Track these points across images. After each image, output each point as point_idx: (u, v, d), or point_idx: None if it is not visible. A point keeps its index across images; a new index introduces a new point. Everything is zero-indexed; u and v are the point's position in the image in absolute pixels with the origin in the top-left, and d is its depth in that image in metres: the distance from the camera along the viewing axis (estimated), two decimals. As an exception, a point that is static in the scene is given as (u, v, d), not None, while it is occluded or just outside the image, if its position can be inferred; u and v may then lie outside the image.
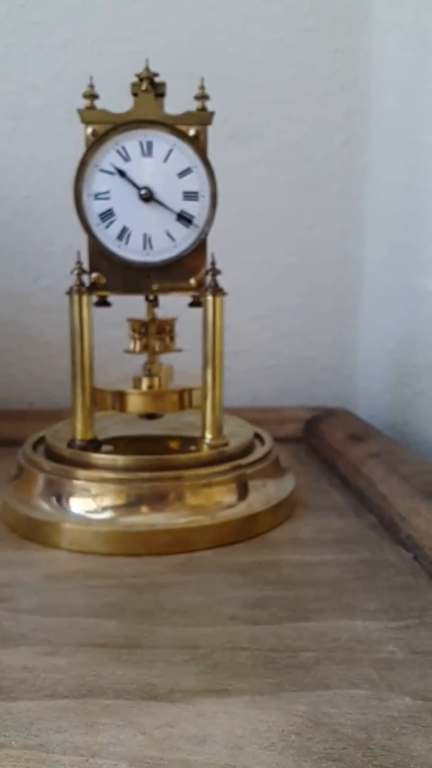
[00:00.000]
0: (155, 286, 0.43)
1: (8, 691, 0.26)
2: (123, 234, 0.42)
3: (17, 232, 0.64)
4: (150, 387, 0.44)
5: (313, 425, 0.60)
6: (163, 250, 0.42)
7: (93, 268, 0.43)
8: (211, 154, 0.42)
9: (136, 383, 0.44)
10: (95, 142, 0.41)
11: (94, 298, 0.43)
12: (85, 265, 0.42)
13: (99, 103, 0.42)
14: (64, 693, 0.26)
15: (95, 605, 0.32)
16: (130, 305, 0.46)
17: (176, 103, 0.42)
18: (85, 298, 0.42)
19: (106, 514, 0.39)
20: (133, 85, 0.43)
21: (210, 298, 0.42)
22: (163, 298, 0.45)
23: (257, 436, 0.48)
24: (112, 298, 0.44)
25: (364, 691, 0.26)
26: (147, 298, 0.45)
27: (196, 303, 0.44)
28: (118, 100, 0.42)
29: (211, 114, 0.42)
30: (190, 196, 0.42)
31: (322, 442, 0.57)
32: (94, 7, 0.62)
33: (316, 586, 0.34)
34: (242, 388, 0.65)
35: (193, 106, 0.42)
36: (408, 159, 0.59)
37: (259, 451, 0.45)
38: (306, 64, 0.65)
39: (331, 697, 0.25)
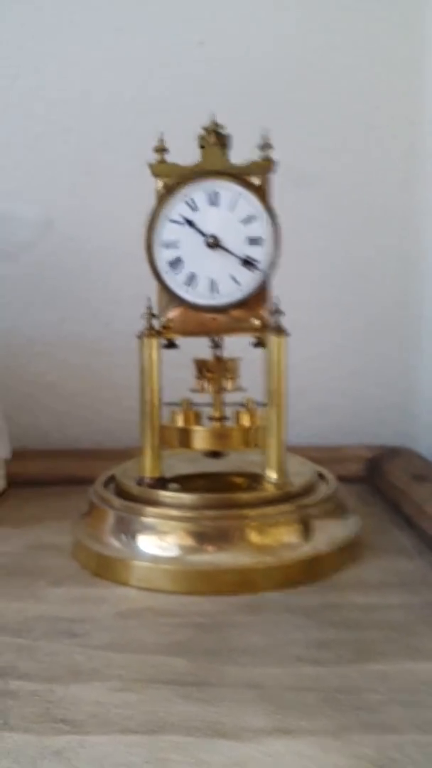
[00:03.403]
0: (221, 328, 0.45)
1: (81, 725, 0.27)
2: (191, 280, 0.43)
3: (90, 281, 0.67)
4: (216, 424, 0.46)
5: (377, 464, 0.60)
6: (228, 293, 0.44)
7: (162, 312, 0.44)
8: (273, 199, 0.44)
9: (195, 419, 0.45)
10: (165, 194, 0.44)
11: (163, 341, 0.45)
12: (155, 310, 0.44)
13: (168, 156, 0.44)
14: (134, 728, 0.27)
15: (164, 643, 0.33)
16: (194, 346, 0.47)
17: (241, 149, 0.44)
18: (154, 341, 0.44)
19: (173, 552, 0.40)
20: (200, 137, 0.45)
21: (273, 338, 0.43)
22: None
23: (320, 475, 0.48)
24: (178, 340, 0.46)
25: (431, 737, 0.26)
26: (212, 339, 0.47)
27: (259, 343, 0.45)
28: (185, 151, 0.44)
29: (275, 163, 0.44)
30: (254, 241, 0.43)
31: (385, 482, 0.57)
32: (161, 65, 0.65)
33: (382, 629, 0.34)
34: (304, 427, 0.66)
35: (257, 155, 0.44)
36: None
37: (322, 491, 0.45)
38: (364, 109, 0.66)
39: (398, 741, 0.25)
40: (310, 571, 0.40)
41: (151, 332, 0.44)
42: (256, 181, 0.44)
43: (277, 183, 0.44)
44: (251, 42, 0.65)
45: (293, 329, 0.44)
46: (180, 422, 0.45)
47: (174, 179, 0.44)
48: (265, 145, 0.44)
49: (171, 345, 0.46)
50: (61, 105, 0.66)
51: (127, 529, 0.42)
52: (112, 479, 0.48)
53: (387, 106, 0.66)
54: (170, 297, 0.44)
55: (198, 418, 0.46)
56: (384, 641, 0.33)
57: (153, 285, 0.44)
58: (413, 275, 0.68)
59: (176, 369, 0.46)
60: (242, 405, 0.46)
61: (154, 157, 0.44)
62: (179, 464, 0.48)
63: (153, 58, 0.65)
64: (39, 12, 0.65)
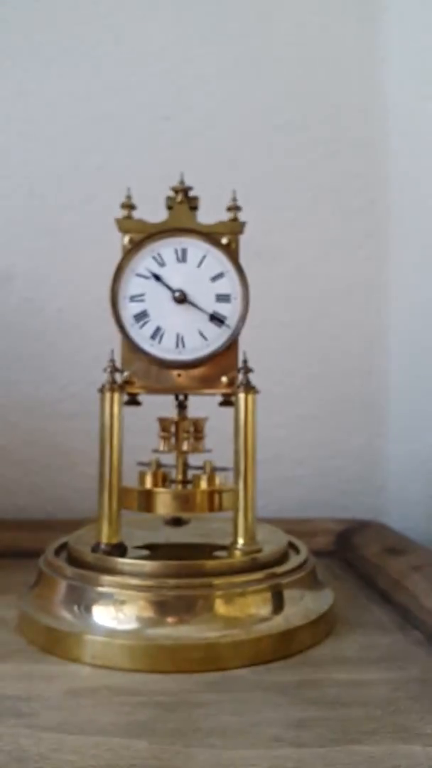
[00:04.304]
0: (187, 385, 0.43)
1: None
2: (156, 334, 0.42)
3: (48, 342, 0.65)
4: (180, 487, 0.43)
5: (347, 538, 0.57)
6: (195, 349, 0.42)
7: (125, 366, 0.42)
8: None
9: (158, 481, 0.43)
10: (132, 249, 0.43)
11: (125, 397, 0.43)
12: (118, 364, 0.42)
13: (134, 214, 0.43)
14: None
15: (122, 723, 0.29)
16: (158, 407, 0.45)
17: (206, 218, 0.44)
18: (116, 395, 0.41)
19: (132, 625, 0.36)
20: (169, 198, 0.44)
21: (242, 395, 0.41)
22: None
23: (291, 544, 0.45)
24: (143, 398, 0.43)
25: None
26: (177, 397, 0.45)
27: (227, 402, 0.43)
28: (151, 215, 0.44)
29: (243, 224, 0.44)
30: (222, 298, 0.42)
31: (357, 556, 0.54)
32: (129, 129, 0.66)
33: (366, 706, 0.31)
34: (270, 499, 0.63)
35: (225, 216, 0.44)
36: (430, 275, 0.61)
37: (294, 560, 0.42)
38: (327, 186, 0.68)
39: None
40: (283, 646, 0.37)
41: (113, 386, 0.42)
42: (224, 240, 0.43)
43: (242, 255, 0.44)
44: (217, 117, 0.67)
45: (258, 399, 0.42)
46: (148, 483, 0.42)
47: (141, 235, 0.43)
48: (234, 206, 0.44)
49: (133, 401, 0.44)
50: (23, 168, 0.66)
51: (80, 599, 0.38)
52: (64, 547, 0.44)
53: (351, 184, 0.68)
54: (134, 350, 0.42)
55: (165, 480, 0.43)
56: (369, 720, 0.30)
57: (114, 347, 0.42)
58: (376, 347, 0.68)
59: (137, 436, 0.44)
60: (201, 468, 0.44)
61: (120, 214, 0.44)
62: (138, 532, 0.45)
63: (118, 128, 0.67)
64: (3, 75, 0.66)
